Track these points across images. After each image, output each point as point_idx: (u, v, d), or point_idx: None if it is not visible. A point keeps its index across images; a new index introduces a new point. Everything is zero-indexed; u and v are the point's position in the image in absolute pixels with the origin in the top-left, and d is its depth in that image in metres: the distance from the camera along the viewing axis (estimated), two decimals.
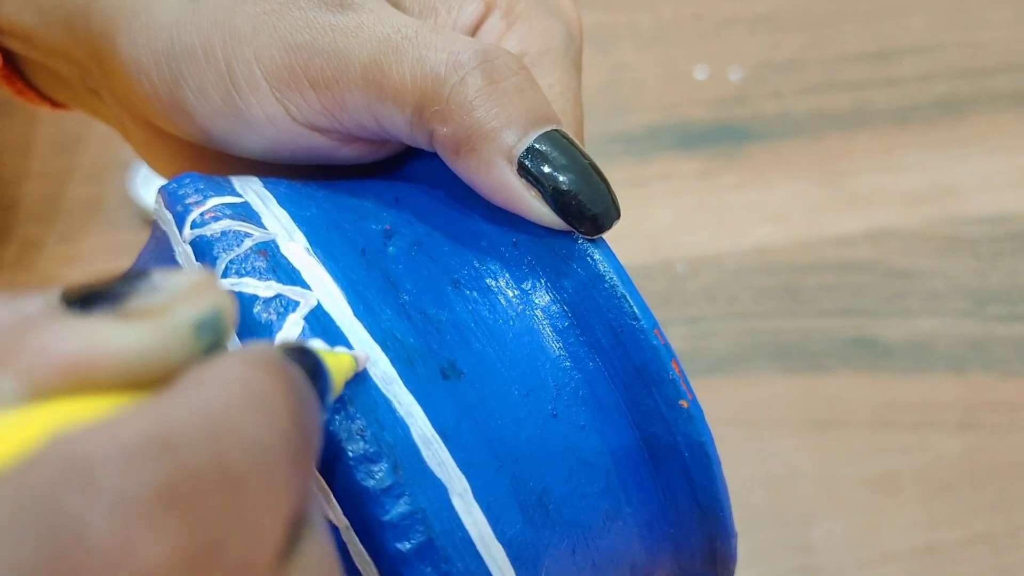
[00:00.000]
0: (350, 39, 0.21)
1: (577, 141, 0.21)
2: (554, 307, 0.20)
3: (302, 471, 0.14)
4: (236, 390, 0.13)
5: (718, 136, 0.54)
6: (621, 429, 0.20)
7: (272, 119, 0.22)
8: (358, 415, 0.18)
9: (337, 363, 0.17)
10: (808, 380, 0.47)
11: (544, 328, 0.20)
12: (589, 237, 0.20)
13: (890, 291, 0.49)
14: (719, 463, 0.20)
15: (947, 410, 0.46)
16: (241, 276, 0.18)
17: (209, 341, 0.14)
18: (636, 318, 0.20)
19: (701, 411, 0.20)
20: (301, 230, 0.20)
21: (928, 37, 0.58)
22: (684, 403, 0.20)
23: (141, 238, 0.50)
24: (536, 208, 0.20)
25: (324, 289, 0.19)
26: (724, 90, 0.56)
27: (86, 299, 0.14)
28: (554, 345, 0.20)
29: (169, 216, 0.20)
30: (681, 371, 0.20)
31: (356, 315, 0.19)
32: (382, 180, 0.23)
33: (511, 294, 0.20)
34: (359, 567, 0.18)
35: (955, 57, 0.57)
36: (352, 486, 0.17)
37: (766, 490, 0.44)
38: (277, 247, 0.19)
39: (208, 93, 0.22)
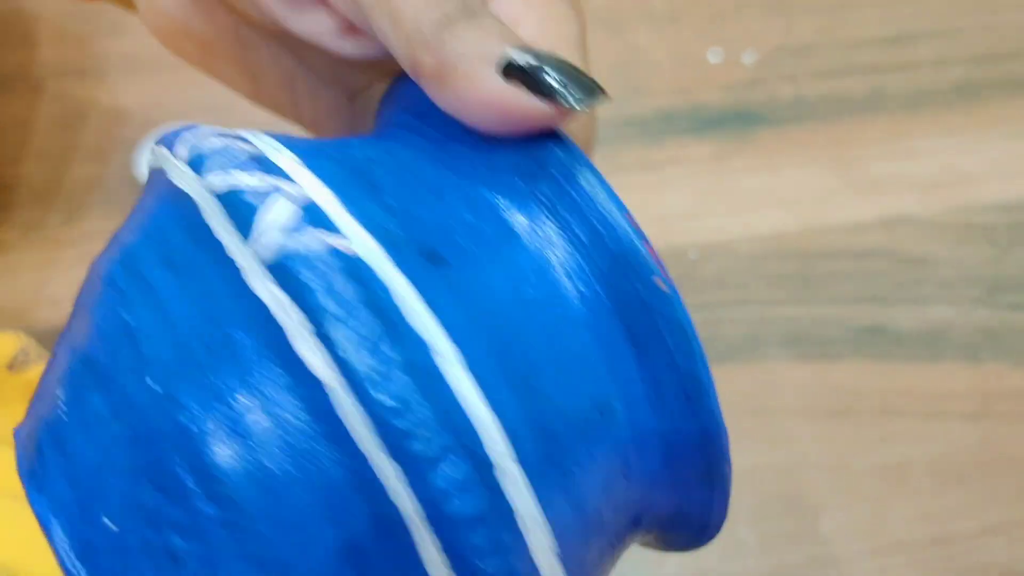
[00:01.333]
0: None
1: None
2: (534, 209, 0.21)
3: None
4: None
5: (731, 120, 0.53)
6: (605, 320, 0.21)
7: None
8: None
9: None
10: (820, 368, 0.46)
11: (524, 231, 0.21)
12: (581, 108, 0.21)
13: (904, 278, 0.49)
14: (698, 340, 0.21)
15: (960, 399, 0.45)
16: (228, 171, 0.20)
17: None
18: (609, 207, 0.21)
19: (675, 290, 0.21)
20: (288, 148, 0.21)
21: (945, 21, 0.57)
22: (658, 280, 0.20)
23: None
24: (529, 103, 0.21)
25: (313, 186, 0.20)
26: (738, 74, 0.55)
27: None
28: (534, 244, 0.21)
29: (164, 150, 0.21)
30: (654, 253, 0.20)
31: (345, 207, 0.20)
32: (360, 136, 0.25)
33: (492, 201, 0.21)
34: (345, 423, 0.18)
35: (972, 41, 0.56)
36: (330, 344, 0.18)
37: (776, 478, 0.43)
38: (266, 157, 0.20)
39: None
